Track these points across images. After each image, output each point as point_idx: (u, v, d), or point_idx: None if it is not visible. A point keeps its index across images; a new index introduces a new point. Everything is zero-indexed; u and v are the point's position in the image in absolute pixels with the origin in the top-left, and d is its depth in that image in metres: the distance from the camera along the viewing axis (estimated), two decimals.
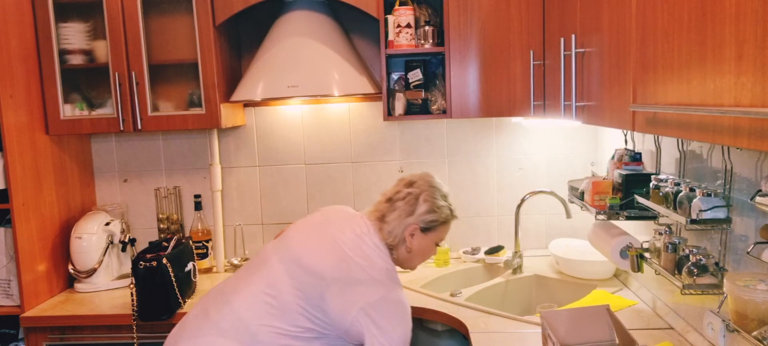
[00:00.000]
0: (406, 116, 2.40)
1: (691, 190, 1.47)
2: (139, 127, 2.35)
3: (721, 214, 1.41)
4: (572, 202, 2.21)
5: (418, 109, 2.42)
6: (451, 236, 2.69)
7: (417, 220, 1.67)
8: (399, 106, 2.39)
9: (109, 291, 2.42)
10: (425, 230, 1.69)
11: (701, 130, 0.99)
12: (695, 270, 1.47)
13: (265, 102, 2.65)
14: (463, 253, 2.60)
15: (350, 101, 2.65)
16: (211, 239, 2.62)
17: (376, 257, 1.62)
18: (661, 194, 1.61)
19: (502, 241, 2.67)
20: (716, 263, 1.50)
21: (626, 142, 2.08)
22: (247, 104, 2.67)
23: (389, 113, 2.39)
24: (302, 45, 2.32)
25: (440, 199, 1.71)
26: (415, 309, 2.11)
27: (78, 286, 2.44)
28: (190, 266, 2.28)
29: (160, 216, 2.68)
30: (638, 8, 1.25)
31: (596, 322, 1.59)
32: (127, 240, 2.53)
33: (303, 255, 1.60)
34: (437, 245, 1.77)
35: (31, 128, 2.30)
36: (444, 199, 1.73)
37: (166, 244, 2.25)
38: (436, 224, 1.70)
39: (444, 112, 2.36)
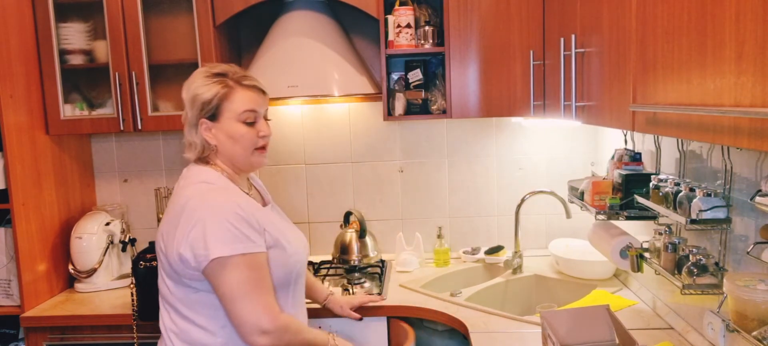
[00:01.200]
0: (406, 116, 2.40)
1: (691, 190, 1.47)
2: (139, 127, 2.35)
3: (720, 214, 1.41)
4: (572, 202, 2.21)
5: (418, 109, 2.42)
6: (452, 237, 2.71)
7: (196, 114, 1.48)
8: (399, 106, 2.39)
9: (109, 291, 2.42)
10: (212, 116, 1.48)
11: (701, 130, 0.99)
12: (695, 270, 1.47)
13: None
14: (463, 253, 2.60)
15: (350, 101, 2.65)
16: None
17: (188, 183, 1.49)
18: (661, 194, 1.61)
19: (502, 241, 2.67)
20: (716, 263, 1.50)
21: (626, 142, 2.08)
22: None
23: (389, 113, 2.39)
24: (302, 45, 2.32)
25: (203, 77, 1.49)
26: (415, 309, 2.11)
27: (78, 286, 2.44)
28: None
29: (160, 216, 2.68)
30: (638, 8, 1.25)
31: (596, 322, 1.59)
32: (127, 240, 2.53)
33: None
34: (250, 123, 1.51)
35: (31, 128, 2.30)
36: (209, 76, 1.49)
37: None
38: (215, 102, 1.47)
39: (444, 112, 2.36)
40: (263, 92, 1.55)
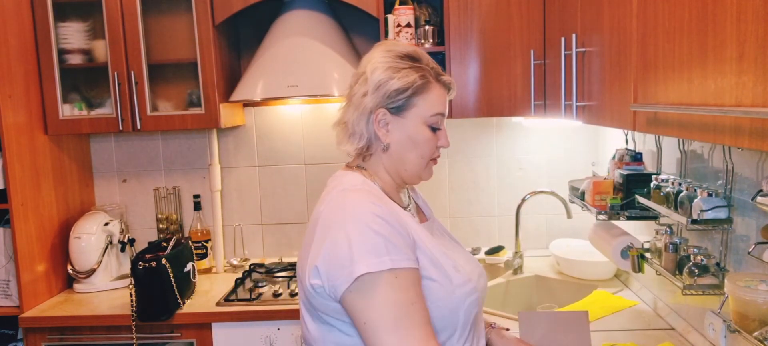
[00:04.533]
0: None
1: (693, 190, 1.46)
2: (139, 127, 2.35)
3: (722, 214, 1.40)
4: (573, 202, 2.21)
5: None
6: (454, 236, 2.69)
7: (378, 100, 1.19)
8: None
9: (108, 291, 2.41)
10: (397, 109, 1.19)
11: (702, 130, 0.98)
12: (696, 270, 1.46)
13: (264, 102, 2.64)
14: None
15: None
16: (210, 240, 2.62)
17: (327, 192, 1.22)
18: (662, 194, 1.60)
19: (502, 241, 2.66)
20: (717, 264, 1.49)
21: (627, 142, 2.08)
22: (247, 104, 2.66)
23: None
24: (302, 45, 2.31)
25: (393, 57, 1.20)
26: None
27: (77, 286, 2.43)
28: (189, 266, 2.27)
29: (160, 216, 2.68)
30: (639, 7, 1.25)
31: (573, 330, 1.47)
32: (126, 240, 2.52)
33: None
34: (434, 129, 1.23)
35: (30, 128, 2.29)
36: (408, 58, 1.21)
37: (165, 244, 2.24)
38: (409, 93, 1.18)
39: None
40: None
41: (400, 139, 1.21)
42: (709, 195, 1.42)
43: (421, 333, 1.04)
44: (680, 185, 1.53)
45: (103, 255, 2.42)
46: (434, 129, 1.22)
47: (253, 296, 2.23)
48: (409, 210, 1.30)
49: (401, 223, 1.12)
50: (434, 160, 1.26)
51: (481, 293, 1.22)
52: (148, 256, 2.15)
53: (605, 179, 1.96)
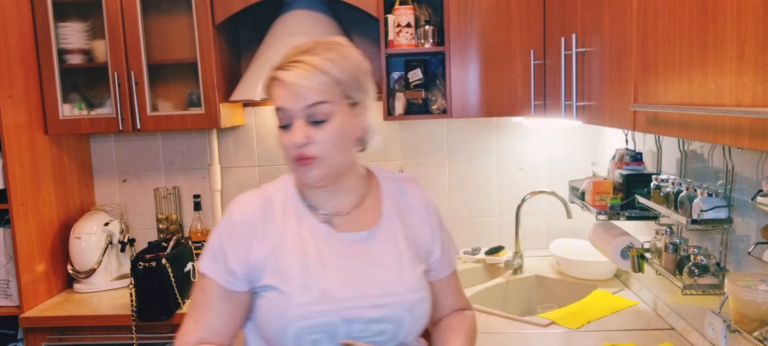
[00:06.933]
0: (406, 116, 2.39)
1: (693, 190, 1.46)
2: (138, 127, 2.35)
3: (722, 214, 1.40)
4: (573, 202, 2.21)
5: (418, 109, 2.41)
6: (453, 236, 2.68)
7: None
8: (399, 105, 2.38)
9: (108, 291, 2.41)
10: None
11: (702, 130, 0.98)
12: (696, 270, 1.46)
13: (264, 102, 2.64)
14: (464, 253, 2.59)
15: None
16: None
17: None
18: (662, 194, 1.60)
19: (502, 241, 2.66)
20: (717, 264, 1.49)
21: (627, 142, 2.08)
22: (247, 104, 2.66)
23: (389, 113, 2.38)
24: None
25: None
26: None
27: (77, 286, 2.43)
28: (189, 266, 2.27)
29: (160, 216, 2.68)
30: (639, 7, 1.25)
31: None
32: (126, 240, 2.52)
33: None
34: (285, 127, 1.16)
35: (30, 128, 2.29)
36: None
37: (165, 244, 2.24)
38: (268, 98, 1.21)
39: (444, 112, 2.35)
40: (298, 83, 1.14)
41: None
42: (709, 195, 1.42)
43: (185, 324, 1.21)
44: (680, 185, 1.53)
45: (103, 255, 2.42)
46: (284, 127, 1.15)
47: None
48: (323, 213, 1.22)
49: (245, 237, 1.18)
50: (295, 160, 1.14)
51: (329, 318, 1.13)
52: (148, 256, 2.15)
53: (605, 179, 1.96)
